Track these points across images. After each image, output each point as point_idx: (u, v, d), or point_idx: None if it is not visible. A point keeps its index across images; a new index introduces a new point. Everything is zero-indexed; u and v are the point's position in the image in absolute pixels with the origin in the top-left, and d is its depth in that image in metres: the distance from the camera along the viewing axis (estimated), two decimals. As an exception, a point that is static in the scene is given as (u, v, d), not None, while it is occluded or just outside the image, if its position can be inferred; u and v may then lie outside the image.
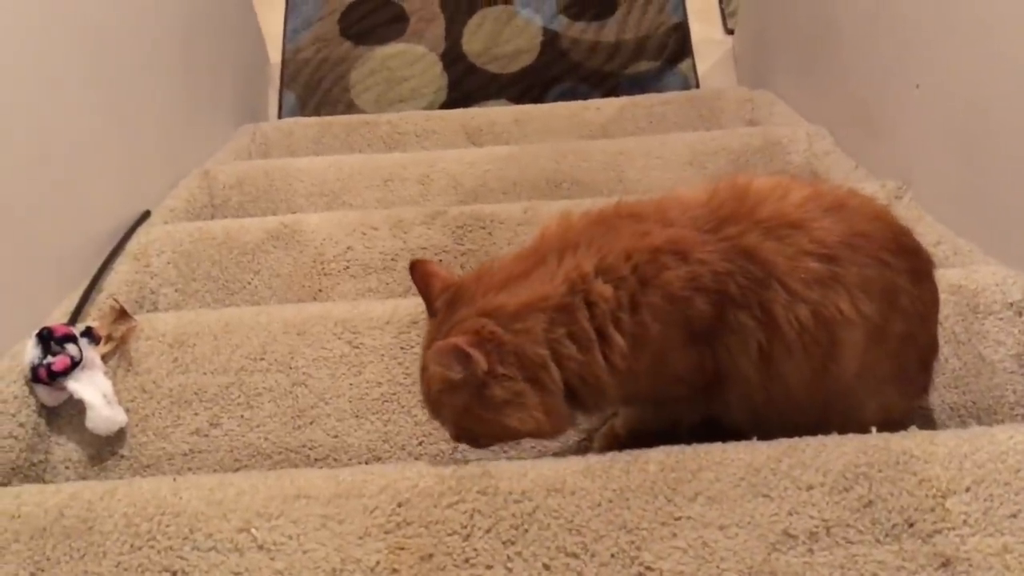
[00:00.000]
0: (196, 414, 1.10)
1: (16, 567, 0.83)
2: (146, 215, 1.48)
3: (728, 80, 2.40)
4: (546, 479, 0.84)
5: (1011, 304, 1.08)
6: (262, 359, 1.13)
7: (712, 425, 0.94)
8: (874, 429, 0.87)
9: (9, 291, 1.13)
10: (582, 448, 1.06)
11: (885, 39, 1.45)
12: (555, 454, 1.04)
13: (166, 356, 1.14)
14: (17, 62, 1.16)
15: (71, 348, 1.07)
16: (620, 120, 2.04)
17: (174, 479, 0.90)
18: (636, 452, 0.86)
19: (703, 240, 0.85)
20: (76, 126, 1.32)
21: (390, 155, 1.84)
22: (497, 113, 2.10)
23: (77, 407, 1.08)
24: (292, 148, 2.04)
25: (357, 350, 1.13)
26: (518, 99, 2.42)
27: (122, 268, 1.34)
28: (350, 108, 2.45)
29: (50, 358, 1.06)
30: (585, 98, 2.21)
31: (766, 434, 0.87)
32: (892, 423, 0.90)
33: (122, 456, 1.09)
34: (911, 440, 0.84)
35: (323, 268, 1.37)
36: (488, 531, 0.82)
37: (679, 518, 0.81)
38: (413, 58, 2.54)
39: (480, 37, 2.57)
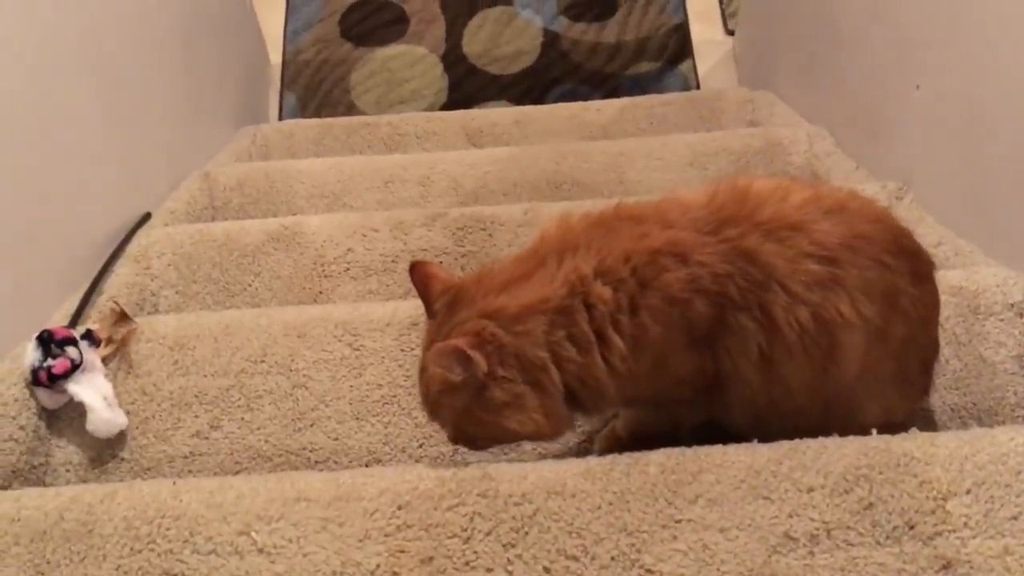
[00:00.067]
0: (196, 416, 1.10)
1: (16, 570, 0.83)
2: (146, 217, 1.48)
3: (729, 81, 2.40)
4: (546, 481, 0.84)
5: (1012, 305, 1.07)
6: (262, 361, 1.13)
7: (713, 427, 0.94)
8: (875, 431, 0.87)
9: (9, 294, 1.13)
10: (583, 450, 1.06)
11: (885, 40, 1.44)
12: (555, 456, 1.04)
13: (166, 358, 1.14)
14: (17, 64, 1.16)
15: (71, 351, 1.07)
16: (621, 121, 2.04)
17: (174, 482, 0.90)
18: (636, 454, 0.86)
19: (703, 242, 0.85)
20: (76, 128, 1.32)
21: (391, 157, 1.85)
22: (498, 114, 2.10)
23: (77, 410, 1.08)
24: (292, 150, 2.04)
25: (357, 352, 1.13)
26: (519, 100, 2.42)
27: (122, 270, 1.34)
28: (351, 110, 2.45)
29: (50, 361, 1.06)
30: (586, 99, 2.21)
31: (766, 436, 0.87)
32: (893, 425, 0.89)
33: (122, 459, 1.09)
34: (912, 442, 0.84)
35: (323, 270, 1.37)
36: (488, 534, 0.82)
37: (679, 520, 0.81)
38: (414, 59, 2.54)
39: (481, 38, 2.57)
